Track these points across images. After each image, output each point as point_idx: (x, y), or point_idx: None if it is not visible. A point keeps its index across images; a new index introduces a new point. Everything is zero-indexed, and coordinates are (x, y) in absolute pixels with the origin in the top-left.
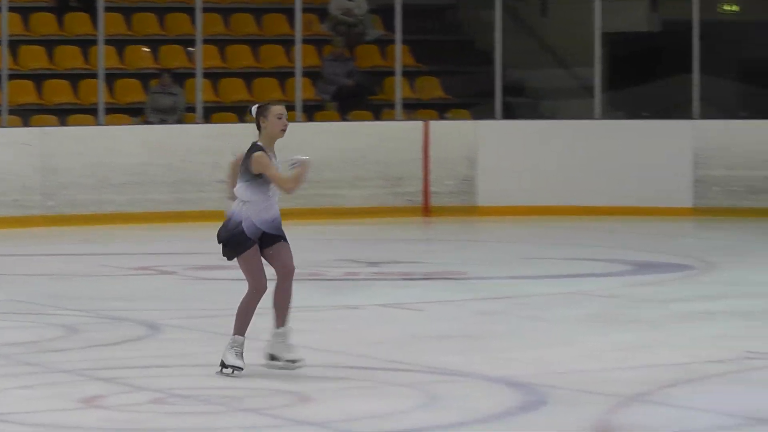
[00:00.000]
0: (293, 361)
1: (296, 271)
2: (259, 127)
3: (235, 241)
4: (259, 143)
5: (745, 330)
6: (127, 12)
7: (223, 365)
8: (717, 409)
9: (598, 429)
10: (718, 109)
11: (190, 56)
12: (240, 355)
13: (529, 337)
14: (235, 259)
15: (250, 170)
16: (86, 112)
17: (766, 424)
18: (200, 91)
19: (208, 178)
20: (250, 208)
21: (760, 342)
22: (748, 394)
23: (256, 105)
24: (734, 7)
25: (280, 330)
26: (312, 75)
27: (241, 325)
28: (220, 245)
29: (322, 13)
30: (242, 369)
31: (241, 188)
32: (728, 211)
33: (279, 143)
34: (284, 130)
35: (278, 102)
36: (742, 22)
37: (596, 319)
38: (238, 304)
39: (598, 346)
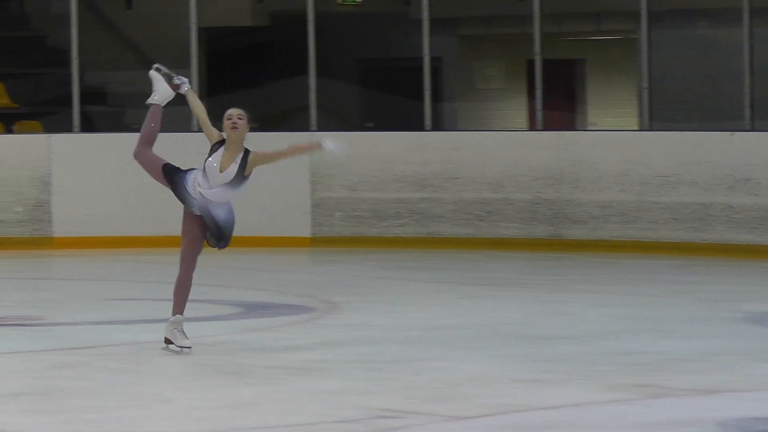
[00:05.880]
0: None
1: None
2: None
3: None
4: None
5: (374, 384)
6: None
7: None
8: None
9: None
10: (337, 118)
11: None
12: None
13: (118, 393)
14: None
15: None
16: None
17: None
18: None
19: None
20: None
21: (391, 398)
22: None
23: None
24: None
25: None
26: None
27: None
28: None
29: None
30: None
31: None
32: (351, 240)
33: None
34: (234, 127)
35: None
36: (363, 14)
37: (198, 372)
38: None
39: (199, 404)
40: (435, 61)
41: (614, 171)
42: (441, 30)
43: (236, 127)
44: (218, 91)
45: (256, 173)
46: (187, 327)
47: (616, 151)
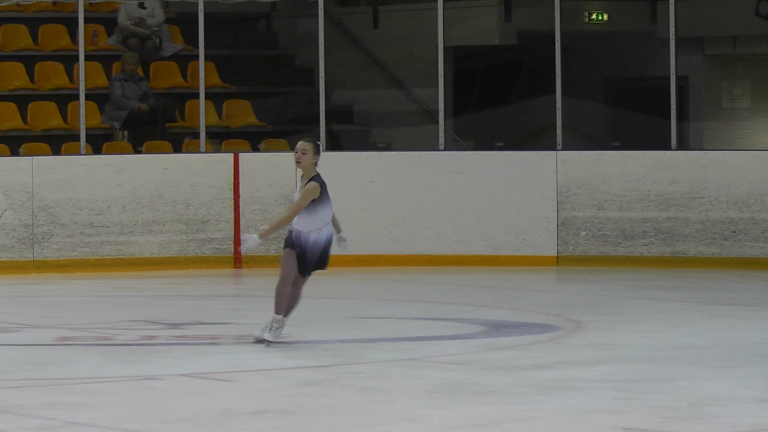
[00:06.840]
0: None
1: (81, 334)
2: None
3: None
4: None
5: (619, 403)
6: None
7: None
8: None
9: None
10: (583, 137)
11: None
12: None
13: (364, 411)
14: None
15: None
16: None
17: None
18: None
19: None
20: None
21: (636, 417)
22: None
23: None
24: (603, 16)
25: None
26: (98, 98)
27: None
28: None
29: (109, 24)
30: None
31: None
32: (597, 259)
33: None
34: (298, 162)
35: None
36: (610, 33)
37: (443, 391)
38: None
39: (445, 422)
40: (681, 80)
41: None
42: (687, 49)
43: (299, 162)
44: (465, 109)
45: (502, 193)
46: (433, 345)
47: None
